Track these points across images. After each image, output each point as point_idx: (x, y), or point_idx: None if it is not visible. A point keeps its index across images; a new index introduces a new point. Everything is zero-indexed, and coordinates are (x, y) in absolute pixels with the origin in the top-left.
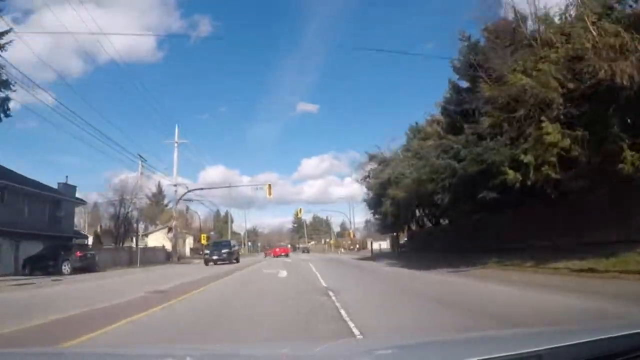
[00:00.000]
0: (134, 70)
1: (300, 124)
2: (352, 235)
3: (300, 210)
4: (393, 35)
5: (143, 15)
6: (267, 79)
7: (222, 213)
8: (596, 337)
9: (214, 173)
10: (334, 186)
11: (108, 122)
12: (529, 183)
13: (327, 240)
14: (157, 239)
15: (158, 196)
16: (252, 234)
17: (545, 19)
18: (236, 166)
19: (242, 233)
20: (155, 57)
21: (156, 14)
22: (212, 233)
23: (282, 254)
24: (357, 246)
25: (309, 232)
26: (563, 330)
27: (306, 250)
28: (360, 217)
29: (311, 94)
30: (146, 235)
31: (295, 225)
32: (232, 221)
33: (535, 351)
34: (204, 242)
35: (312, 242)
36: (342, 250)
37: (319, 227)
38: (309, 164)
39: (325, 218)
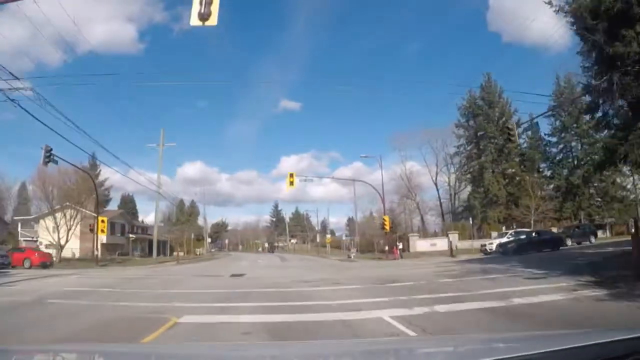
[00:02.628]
0: (113, 62)
1: (283, 121)
2: (388, 224)
3: (291, 175)
4: (379, 34)
5: (124, 4)
6: (250, 74)
7: (187, 204)
8: (589, 342)
9: (191, 170)
10: (312, 185)
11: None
12: None
13: (326, 237)
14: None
15: (92, 170)
16: (221, 227)
17: None
18: (215, 163)
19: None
20: (136, 48)
21: (138, 3)
22: (161, 224)
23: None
24: (399, 246)
25: (289, 229)
26: (557, 334)
27: (271, 250)
28: (338, 217)
29: (294, 92)
30: (35, 220)
31: (274, 219)
32: (197, 213)
33: (527, 355)
34: (102, 231)
35: (294, 241)
36: (354, 252)
37: (301, 224)
38: (289, 162)
39: (304, 213)
